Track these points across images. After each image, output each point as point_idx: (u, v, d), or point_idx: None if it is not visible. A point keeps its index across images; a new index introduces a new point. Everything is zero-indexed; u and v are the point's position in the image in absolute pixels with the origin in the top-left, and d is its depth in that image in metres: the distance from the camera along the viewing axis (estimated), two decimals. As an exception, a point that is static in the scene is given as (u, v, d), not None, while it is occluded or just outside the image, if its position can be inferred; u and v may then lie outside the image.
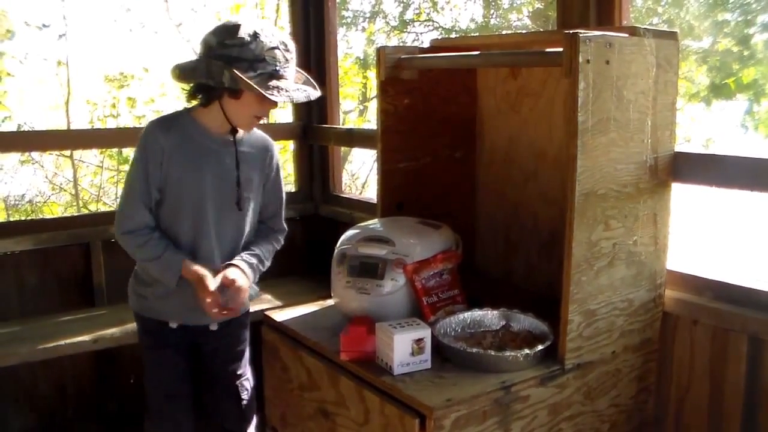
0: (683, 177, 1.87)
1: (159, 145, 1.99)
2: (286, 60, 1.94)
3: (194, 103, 2.03)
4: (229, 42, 1.89)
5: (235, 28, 1.90)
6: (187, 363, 2.22)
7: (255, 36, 1.89)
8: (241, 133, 2.09)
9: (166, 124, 2.04)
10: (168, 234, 2.06)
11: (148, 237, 2.02)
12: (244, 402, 2.26)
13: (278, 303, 2.92)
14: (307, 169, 3.43)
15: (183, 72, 1.96)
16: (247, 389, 2.27)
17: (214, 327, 2.18)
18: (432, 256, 1.92)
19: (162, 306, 2.14)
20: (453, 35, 8.72)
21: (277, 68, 1.92)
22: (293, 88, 1.95)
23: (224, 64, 1.87)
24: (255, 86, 1.86)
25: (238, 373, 2.26)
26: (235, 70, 1.86)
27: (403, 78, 2.19)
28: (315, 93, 2.00)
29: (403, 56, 2.16)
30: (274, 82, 1.91)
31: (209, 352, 2.23)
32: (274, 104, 1.99)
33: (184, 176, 2.02)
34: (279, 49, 1.92)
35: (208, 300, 1.98)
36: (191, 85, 2.00)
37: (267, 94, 1.88)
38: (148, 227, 2.04)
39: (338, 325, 1.94)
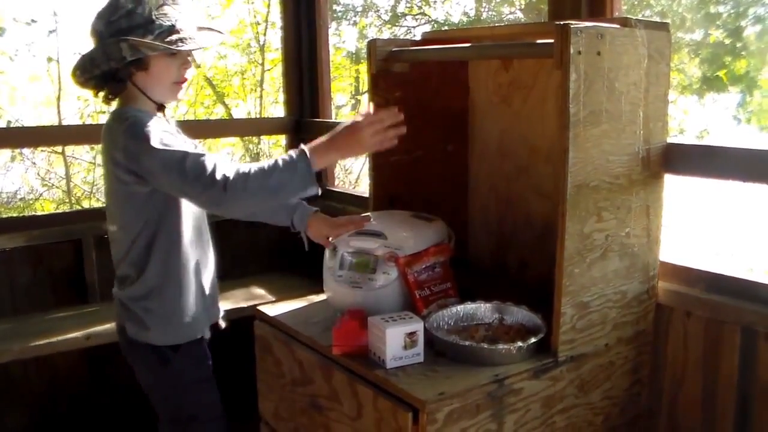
0: (676, 168, 1.86)
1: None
2: (179, 12, 1.83)
3: (109, 101, 1.92)
4: (114, 17, 1.77)
5: (115, 1, 1.78)
6: None
7: (137, 1, 1.78)
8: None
9: (160, 119, 1.88)
10: (172, 233, 1.90)
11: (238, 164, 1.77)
12: None
13: (270, 297, 2.92)
14: (300, 163, 3.41)
15: (83, 67, 1.82)
16: None
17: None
18: (424, 249, 1.92)
19: (201, 311, 2.00)
20: (445, 29, 8.71)
21: (173, 23, 1.80)
22: (198, 35, 1.85)
23: (118, 39, 1.75)
24: (158, 44, 1.76)
25: None
26: (131, 38, 1.75)
27: (395, 71, 2.18)
28: (219, 35, 1.93)
29: (394, 49, 2.15)
30: (175, 36, 1.80)
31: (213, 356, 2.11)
32: (189, 63, 1.89)
33: None
34: (167, 4, 1.81)
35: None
36: (94, 83, 1.87)
37: (173, 48, 1.78)
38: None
39: (331, 319, 1.93)
